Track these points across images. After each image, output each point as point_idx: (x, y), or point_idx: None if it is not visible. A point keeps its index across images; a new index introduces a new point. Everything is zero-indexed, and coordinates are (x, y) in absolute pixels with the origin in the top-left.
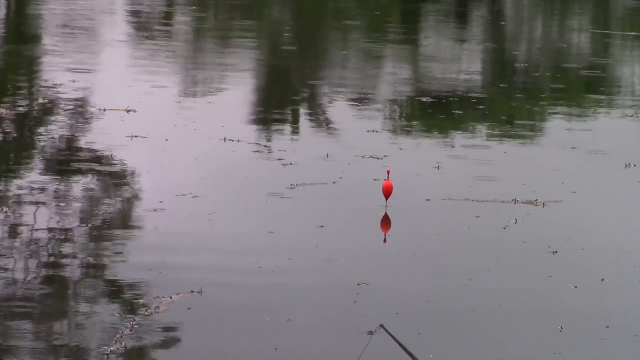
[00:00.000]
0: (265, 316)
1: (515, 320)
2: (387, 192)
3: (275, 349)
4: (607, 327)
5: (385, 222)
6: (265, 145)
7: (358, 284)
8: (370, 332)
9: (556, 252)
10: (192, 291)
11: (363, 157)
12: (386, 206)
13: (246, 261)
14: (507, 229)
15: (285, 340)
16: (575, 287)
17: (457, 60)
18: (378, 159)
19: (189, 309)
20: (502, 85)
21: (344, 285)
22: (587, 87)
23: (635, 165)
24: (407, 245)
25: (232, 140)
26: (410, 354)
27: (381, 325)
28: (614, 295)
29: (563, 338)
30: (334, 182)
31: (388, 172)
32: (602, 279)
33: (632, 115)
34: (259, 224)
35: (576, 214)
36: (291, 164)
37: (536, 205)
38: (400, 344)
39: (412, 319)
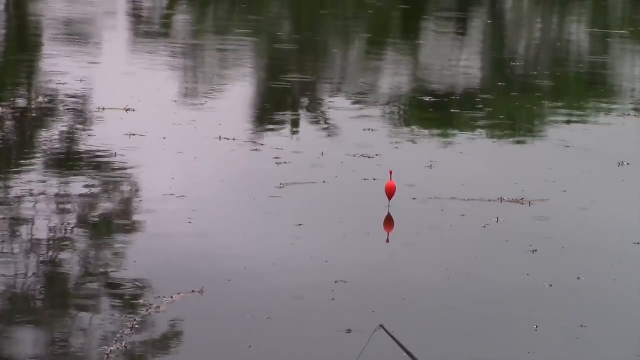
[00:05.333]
0: (246, 314)
1: (490, 319)
2: (390, 193)
3: (250, 347)
4: (582, 326)
5: (389, 222)
6: (262, 144)
7: (336, 282)
8: (349, 331)
9: (536, 250)
10: (193, 291)
11: (355, 156)
12: (389, 207)
13: (222, 260)
14: (488, 227)
15: (266, 338)
16: (551, 285)
17: (455, 60)
18: (369, 157)
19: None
20: (499, 84)
21: (322, 284)
22: (584, 86)
23: (628, 164)
24: (387, 243)
25: (229, 139)
26: (409, 354)
27: (381, 326)
28: (589, 295)
29: (538, 337)
30: (324, 182)
31: (391, 173)
32: (579, 278)
33: (628, 114)
34: (240, 224)
35: (561, 213)
36: (285, 162)
37: (522, 204)
38: (399, 344)
39: (389, 317)
